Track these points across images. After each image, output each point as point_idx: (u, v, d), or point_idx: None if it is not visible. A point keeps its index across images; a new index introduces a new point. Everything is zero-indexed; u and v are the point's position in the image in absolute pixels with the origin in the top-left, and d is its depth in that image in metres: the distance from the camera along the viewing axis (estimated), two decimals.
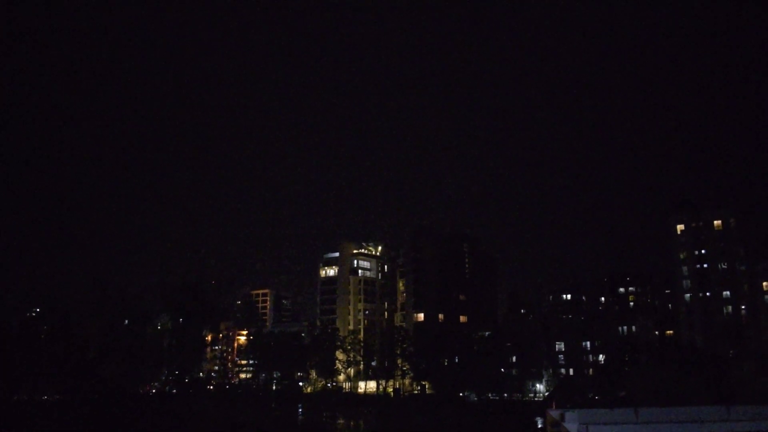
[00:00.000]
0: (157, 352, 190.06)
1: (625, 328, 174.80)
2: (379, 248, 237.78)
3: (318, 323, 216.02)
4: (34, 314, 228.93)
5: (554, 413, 47.24)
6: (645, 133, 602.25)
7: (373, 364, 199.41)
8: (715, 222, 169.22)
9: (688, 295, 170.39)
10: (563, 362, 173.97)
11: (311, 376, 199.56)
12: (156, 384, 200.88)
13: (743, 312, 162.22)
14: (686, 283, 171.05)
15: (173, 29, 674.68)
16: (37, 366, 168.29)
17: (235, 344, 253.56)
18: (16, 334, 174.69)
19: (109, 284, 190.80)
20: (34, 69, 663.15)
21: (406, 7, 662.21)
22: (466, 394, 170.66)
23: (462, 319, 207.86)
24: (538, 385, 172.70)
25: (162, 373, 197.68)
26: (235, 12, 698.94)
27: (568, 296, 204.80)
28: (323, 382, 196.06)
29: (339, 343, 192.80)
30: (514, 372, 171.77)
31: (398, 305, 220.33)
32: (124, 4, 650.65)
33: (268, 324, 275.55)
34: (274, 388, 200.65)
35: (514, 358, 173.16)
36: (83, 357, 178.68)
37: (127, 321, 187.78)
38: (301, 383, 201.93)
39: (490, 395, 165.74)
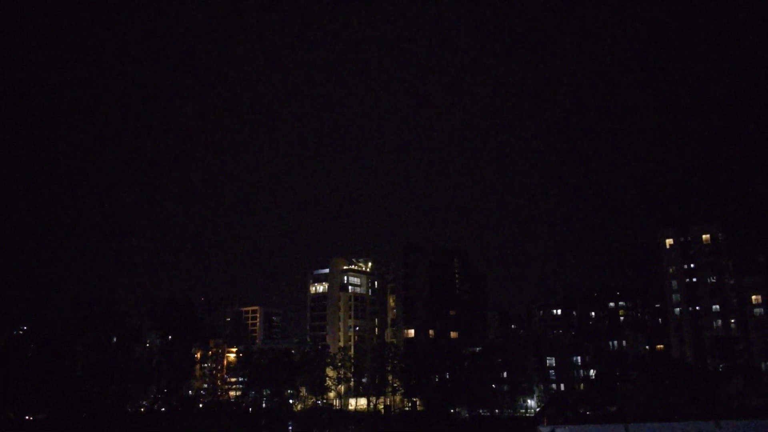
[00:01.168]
0: (146, 370, 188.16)
1: (615, 342, 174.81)
2: (369, 264, 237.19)
3: (308, 340, 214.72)
4: (20, 332, 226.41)
5: (545, 429, 47.10)
6: (634, 148, 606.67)
7: (364, 380, 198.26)
8: (704, 236, 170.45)
9: (678, 309, 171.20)
10: (554, 377, 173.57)
11: (301, 394, 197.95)
12: (144, 402, 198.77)
13: (732, 326, 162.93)
14: (675, 297, 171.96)
15: (155, 41, 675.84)
16: (24, 384, 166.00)
17: (225, 362, 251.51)
18: (3, 352, 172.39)
19: (97, 301, 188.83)
20: (23, 77, 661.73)
21: (394, 23, 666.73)
22: (457, 410, 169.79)
23: (452, 334, 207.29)
24: (529, 401, 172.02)
25: (151, 391, 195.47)
26: (223, 26, 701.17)
27: (559, 311, 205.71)
28: (313, 399, 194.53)
29: (329, 360, 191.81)
30: (505, 388, 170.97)
31: (388, 321, 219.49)
32: (124, 4, 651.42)
33: (257, 341, 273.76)
34: (263, 405, 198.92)
35: (505, 374, 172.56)
36: (70, 375, 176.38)
37: (115, 339, 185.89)
38: (291, 401, 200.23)
39: (481, 411, 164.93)
